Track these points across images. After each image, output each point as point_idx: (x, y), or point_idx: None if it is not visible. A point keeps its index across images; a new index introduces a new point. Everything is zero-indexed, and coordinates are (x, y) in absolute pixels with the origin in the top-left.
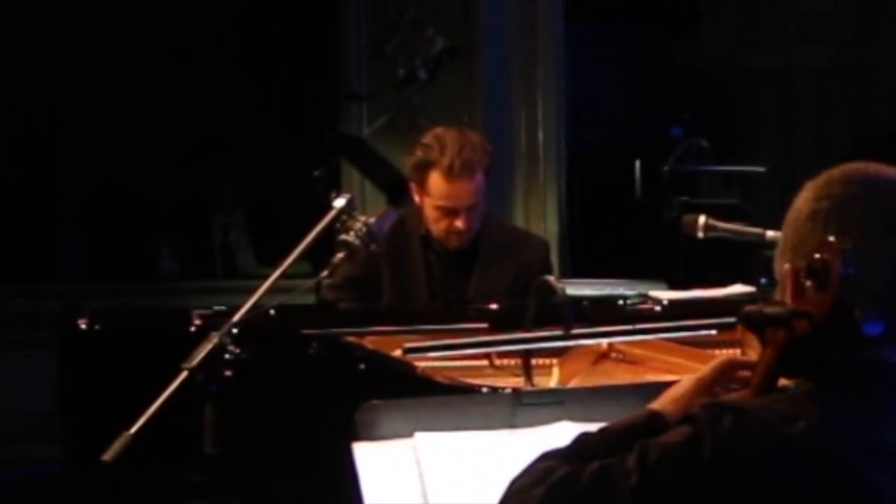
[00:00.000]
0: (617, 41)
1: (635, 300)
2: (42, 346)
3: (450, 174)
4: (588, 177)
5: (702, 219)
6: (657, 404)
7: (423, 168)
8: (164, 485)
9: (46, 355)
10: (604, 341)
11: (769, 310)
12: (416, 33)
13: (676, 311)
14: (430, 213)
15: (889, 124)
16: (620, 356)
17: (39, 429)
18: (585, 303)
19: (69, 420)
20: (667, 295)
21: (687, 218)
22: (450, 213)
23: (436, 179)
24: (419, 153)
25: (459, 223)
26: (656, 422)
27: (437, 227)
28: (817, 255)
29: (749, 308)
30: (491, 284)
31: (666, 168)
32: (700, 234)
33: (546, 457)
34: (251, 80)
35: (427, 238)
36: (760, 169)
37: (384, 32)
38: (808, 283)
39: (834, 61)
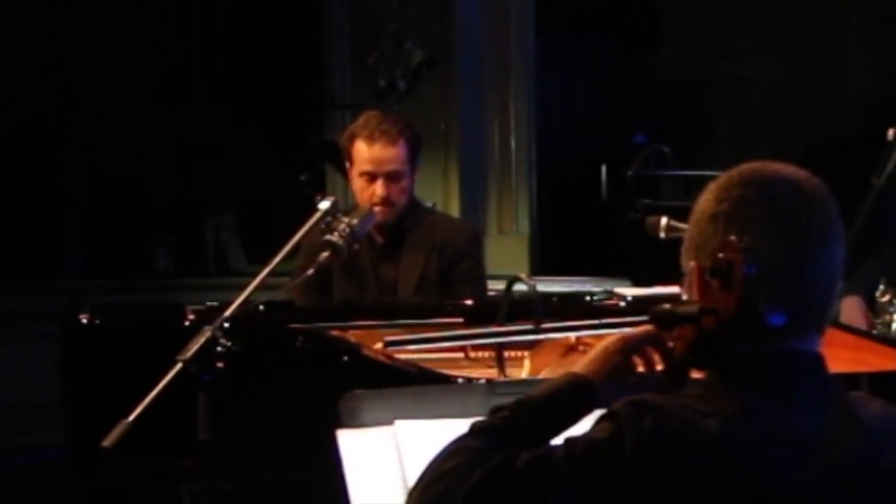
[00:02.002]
0: (584, 54)
1: (601, 296)
2: (46, 339)
3: (370, 140)
4: (557, 180)
5: (664, 220)
6: (583, 368)
7: (349, 140)
8: (161, 469)
9: (50, 348)
10: (572, 335)
11: (679, 309)
12: (396, 46)
13: (640, 306)
14: (356, 185)
15: (839, 131)
16: (588, 349)
17: (43, 417)
18: (555, 298)
19: (71, 409)
20: (631, 291)
21: (650, 219)
22: (371, 179)
23: (358, 146)
24: (347, 130)
25: (379, 189)
26: (586, 389)
27: (362, 197)
28: (721, 255)
29: (659, 307)
30: (420, 267)
31: (630, 172)
32: (662, 235)
33: (475, 433)
34: (242, 91)
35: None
36: (718, 173)
37: (366, 46)
38: (714, 281)
39: (787, 72)
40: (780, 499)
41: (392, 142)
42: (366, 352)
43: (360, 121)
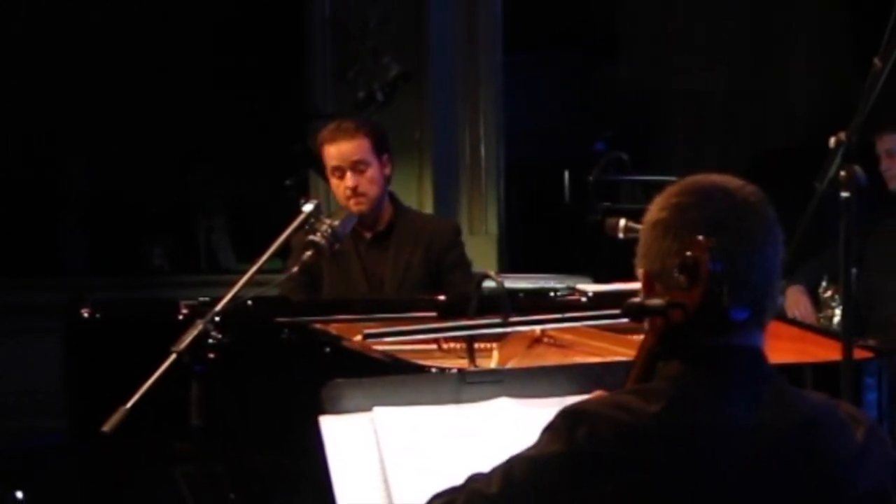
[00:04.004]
0: (549, 67)
1: (564, 292)
2: (50, 332)
3: (332, 139)
4: (524, 185)
5: (622, 221)
6: None
7: (319, 148)
8: (156, 452)
9: (53, 340)
10: (537, 328)
11: (648, 302)
12: (374, 61)
13: (600, 301)
14: (333, 185)
15: (785, 140)
16: (552, 341)
17: (48, 404)
18: (521, 294)
19: (73, 396)
20: (592, 288)
21: (609, 221)
22: (340, 173)
23: (326, 149)
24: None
25: (348, 181)
26: None
27: (338, 194)
28: (688, 253)
29: (631, 301)
30: (406, 261)
31: (591, 178)
32: (621, 235)
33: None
34: (232, 101)
35: (355, 229)
36: (673, 178)
37: (346, 60)
38: (682, 278)
39: (736, 85)
40: (718, 485)
41: (351, 136)
42: (346, 344)
43: (326, 128)
